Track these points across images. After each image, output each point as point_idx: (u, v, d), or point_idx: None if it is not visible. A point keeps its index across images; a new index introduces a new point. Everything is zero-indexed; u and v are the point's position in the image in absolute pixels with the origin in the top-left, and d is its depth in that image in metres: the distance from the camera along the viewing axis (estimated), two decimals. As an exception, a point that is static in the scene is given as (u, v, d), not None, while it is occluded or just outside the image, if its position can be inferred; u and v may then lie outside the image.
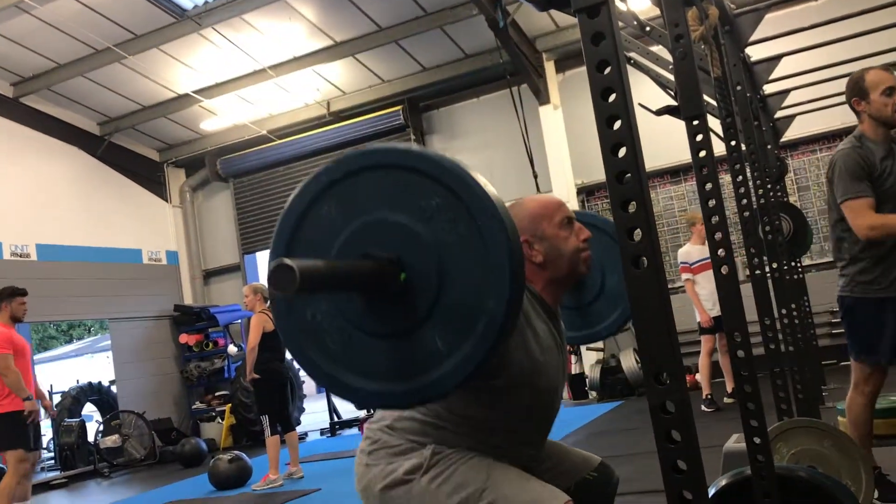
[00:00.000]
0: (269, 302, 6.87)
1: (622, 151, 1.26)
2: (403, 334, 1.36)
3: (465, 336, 1.31)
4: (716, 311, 6.60)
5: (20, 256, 10.12)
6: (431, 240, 1.35)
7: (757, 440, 2.09)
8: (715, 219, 2.13)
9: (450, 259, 1.34)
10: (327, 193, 1.45)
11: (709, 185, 2.12)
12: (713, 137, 2.22)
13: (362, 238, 1.39)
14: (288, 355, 7.58)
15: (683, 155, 9.92)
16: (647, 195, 1.26)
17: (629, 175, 1.26)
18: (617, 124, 1.26)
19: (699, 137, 2.09)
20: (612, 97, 1.27)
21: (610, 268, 2.31)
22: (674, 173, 9.92)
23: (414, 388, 1.36)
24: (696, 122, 2.06)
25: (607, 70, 1.27)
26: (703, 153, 2.09)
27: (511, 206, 1.68)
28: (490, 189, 1.35)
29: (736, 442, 3.34)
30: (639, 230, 1.25)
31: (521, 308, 1.38)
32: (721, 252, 2.12)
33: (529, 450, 1.88)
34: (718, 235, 2.13)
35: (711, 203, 2.12)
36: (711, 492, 2.18)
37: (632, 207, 1.26)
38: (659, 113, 2.30)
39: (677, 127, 3.89)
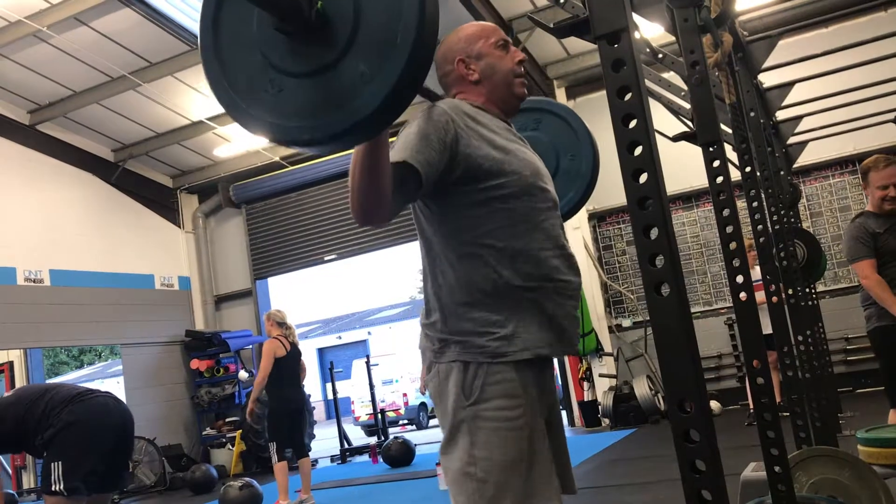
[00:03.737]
0: (283, 327, 6.86)
1: (644, 177, 1.26)
2: (329, 67, 1.36)
3: (386, 54, 1.31)
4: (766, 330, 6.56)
5: (34, 282, 10.17)
6: None
7: (777, 469, 2.06)
8: (732, 245, 2.11)
9: None
10: None
11: (726, 211, 2.11)
12: (728, 163, 2.22)
13: None
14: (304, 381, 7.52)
15: (696, 181, 9.90)
16: (670, 221, 1.25)
17: (651, 201, 1.25)
18: (638, 150, 1.26)
19: (716, 163, 2.08)
20: (633, 123, 1.27)
21: (563, 150, 2.33)
22: (686, 199, 9.91)
23: (341, 115, 1.35)
24: (712, 148, 2.06)
25: (628, 96, 1.27)
26: (720, 179, 2.08)
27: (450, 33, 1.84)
28: None
29: (753, 471, 3.30)
30: (661, 256, 1.25)
31: (435, 36, 1.36)
32: (739, 278, 2.11)
33: (559, 283, 1.80)
34: (736, 262, 2.11)
35: (729, 229, 2.11)
36: (732, 522, 2.14)
37: (654, 233, 1.25)
38: (676, 139, 2.30)
39: (689, 153, 3.90)
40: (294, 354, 6.83)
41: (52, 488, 3.44)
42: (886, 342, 3.93)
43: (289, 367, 6.69)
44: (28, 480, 13.36)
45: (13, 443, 3.71)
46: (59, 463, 3.48)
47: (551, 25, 1.51)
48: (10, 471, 13.39)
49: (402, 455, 8.84)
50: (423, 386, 1.87)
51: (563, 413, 10.28)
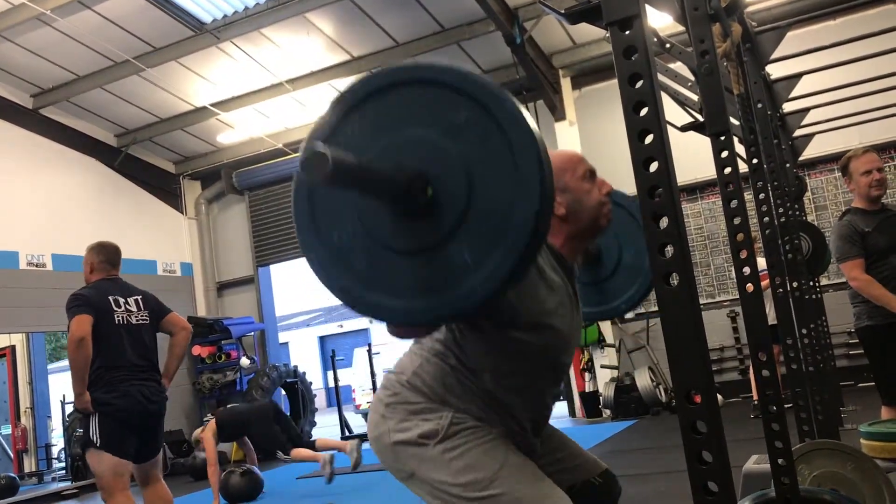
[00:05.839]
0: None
1: (654, 166, 1.24)
2: (431, 250, 1.33)
3: (493, 248, 1.28)
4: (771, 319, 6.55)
5: (36, 266, 10.17)
6: (459, 154, 1.32)
7: (781, 462, 2.05)
8: (740, 236, 2.10)
9: (478, 173, 1.30)
10: (357, 111, 1.40)
11: (734, 203, 2.10)
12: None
13: (390, 155, 1.36)
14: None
15: (700, 172, 9.82)
16: (680, 210, 1.24)
17: (661, 189, 1.24)
18: (649, 138, 1.25)
19: (724, 154, 2.06)
20: (644, 111, 1.25)
21: (627, 242, 2.29)
22: (690, 191, 9.87)
23: (443, 301, 1.32)
24: (722, 139, 2.04)
25: (639, 83, 1.25)
26: (728, 170, 2.07)
27: None
28: (520, 106, 1.32)
29: (755, 463, 3.29)
30: (670, 246, 1.23)
31: (548, 226, 1.33)
32: (746, 270, 2.09)
33: (544, 400, 1.87)
34: (743, 253, 2.10)
35: (736, 220, 2.10)
36: (734, 514, 2.14)
37: (663, 222, 1.24)
38: (684, 129, 2.29)
39: (693, 145, 3.87)
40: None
41: (92, 438, 4.17)
42: (875, 342, 3.93)
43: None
44: (29, 464, 13.42)
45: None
46: (98, 427, 4.20)
47: (562, 11, 1.50)
48: (11, 454, 13.45)
49: (402, 443, 8.85)
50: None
51: (564, 403, 10.29)
